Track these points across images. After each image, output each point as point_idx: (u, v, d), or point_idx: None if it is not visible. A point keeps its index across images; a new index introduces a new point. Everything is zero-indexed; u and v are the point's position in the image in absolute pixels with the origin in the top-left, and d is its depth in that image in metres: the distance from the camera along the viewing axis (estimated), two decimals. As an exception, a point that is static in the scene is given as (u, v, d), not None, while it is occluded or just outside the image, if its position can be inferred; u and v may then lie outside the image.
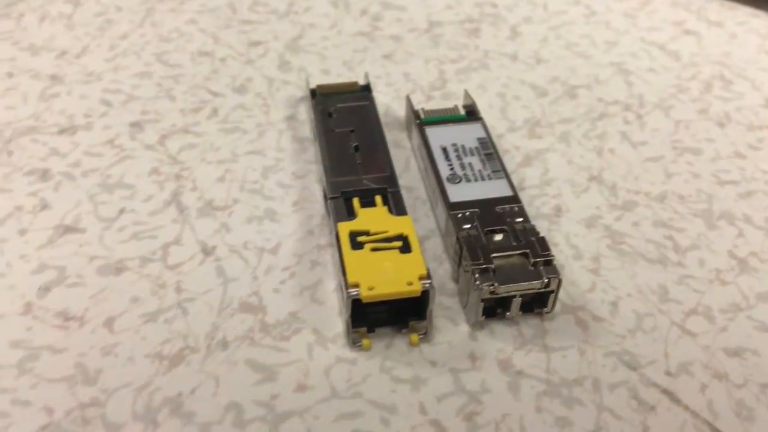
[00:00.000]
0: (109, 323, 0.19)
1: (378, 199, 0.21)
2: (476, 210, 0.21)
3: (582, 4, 0.33)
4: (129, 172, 0.24)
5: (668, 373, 0.19)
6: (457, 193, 0.21)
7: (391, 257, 0.19)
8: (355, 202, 0.21)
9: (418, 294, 0.18)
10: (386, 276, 0.18)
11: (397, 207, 0.21)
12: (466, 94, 0.25)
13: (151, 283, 0.20)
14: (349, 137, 0.23)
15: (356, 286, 0.18)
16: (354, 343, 0.19)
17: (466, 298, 0.20)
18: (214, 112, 0.27)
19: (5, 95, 0.27)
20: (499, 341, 0.19)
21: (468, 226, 0.20)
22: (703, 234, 0.22)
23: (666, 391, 0.18)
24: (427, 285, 0.18)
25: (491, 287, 0.18)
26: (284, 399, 0.18)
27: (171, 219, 0.22)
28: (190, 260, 0.21)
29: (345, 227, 0.19)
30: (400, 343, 0.19)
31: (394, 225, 0.20)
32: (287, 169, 0.24)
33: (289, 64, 0.29)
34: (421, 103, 0.27)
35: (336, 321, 0.20)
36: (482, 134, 0.24)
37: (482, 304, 0.19)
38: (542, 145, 0.25)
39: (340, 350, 0.19)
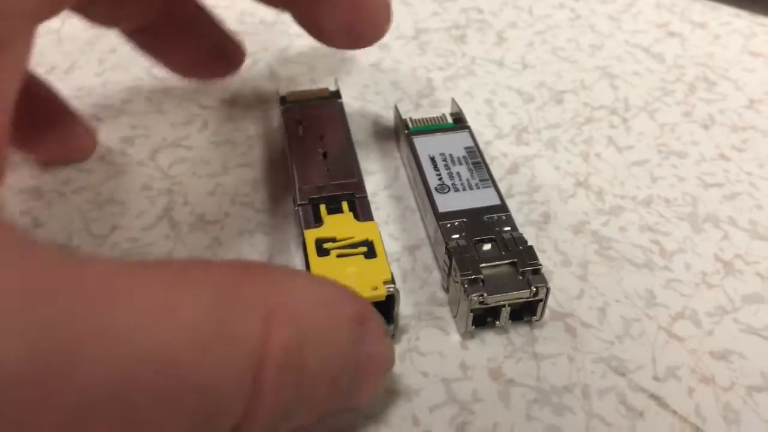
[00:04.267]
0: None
1: (344, 205, 0.21)
2: (465, 220, 0.21)
3: (567, 7, 0.33)
4: (120, 188, 0.24)
5: (656, 378, 0.19)
6: (446, 203, 0.22)
7: (356, 263, 0.19)
8: (322, 208, 0.21)
9: (383, 298, 0.18)
10: (351, 282, 0.18)
11: (363, 213, 0.21)
12: (453, 102, 0.26)
13: (144, 299, 0.21)
14: (318, 144, 0.23)
15: None
16: None
17: (456, 307, 0.20)
18: (205, 125, 0.27)
19: (-5, 113, 0.27)
20: (490, 350, 0.20)
21: (457, 236, 0.20)
22: (689, 237, 0.23)
23: (654, 396, 0.19)
24: (392, 289, 0.18)
25: (480, 297, 0.19)
26: (279, 413, 0.18)
27: (163, 234, 0.23)
28: (182, 276, 0.21)
29: (311, 234, 0.20)
30: (392, 354, 0.19)
31: (359, 231, 0.20)
32: (278, 180, 0.24)
33: (278, 74, 0.29)
34: (409, 112, 0.27)
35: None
36: (470, 143, 0.24)
37: (472, 314, 0.19)
38: (529, 151, 0.26)
39: (333, 363, 0.19)
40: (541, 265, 0.19)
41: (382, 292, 0.18)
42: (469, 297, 0.19)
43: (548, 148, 0.26)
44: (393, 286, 0.18)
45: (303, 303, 0.13)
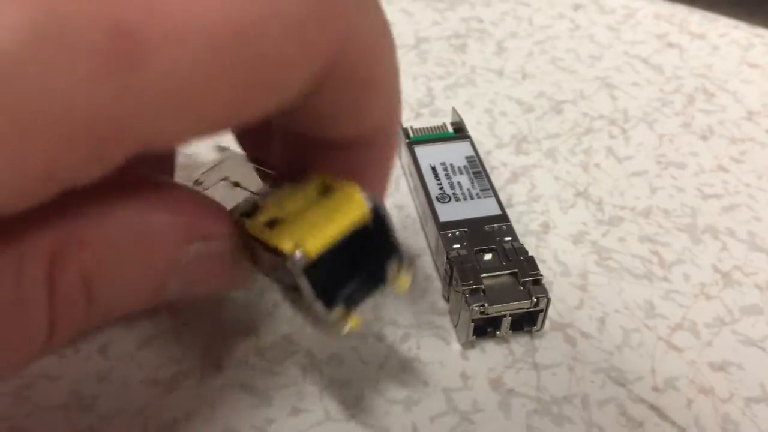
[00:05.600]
0: (103, 349, 0.20)
1: None
2: (465, 230, 0.21)
3: (566, 17, 0.33)
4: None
5: (655, 389, 0.19)
6: (447, 212, 0.22)
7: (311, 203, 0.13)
8: None
9: (369, 217, 0.13)
10: (317, 219, 0.13)
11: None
12: (454, 112, 0.26)
13: (145, 307, 0.21)
14: None
15: (296, 247, 0.12)
16: (339, 330, 0.13)
17: (457, 317, 0.20)
18: (205, 132, 0.27)
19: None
20: (490, 360, 0.20)
21: (458, 245, 0.21)
22: (688, 248, 0.23)
23: (653, 407, 0.19)
24: (375, 201, 0.13)
25: (481, 308, 0.19)
26: (279, 423, 0.18)
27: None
28: (183, 283, 0.21)
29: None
30: (393, 362, 0.19)
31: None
32: (278, 189, 0.25)
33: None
34: (410, 121, 0.27)
35: (330, 342, 0.20)
36: (470, 152, 0.24)
37: (473, 323, 0.19)
38: (529, 161, 0.26)
39: (333, 372, 0.19)
40: (542, 275, 0.19)
41: (363, 209, 0.13)
42: (471, 307, 0.19)
43: (548, 158, 0.26)
44: (371, 195, 0.13)
45: (104, 237, 0.12)
